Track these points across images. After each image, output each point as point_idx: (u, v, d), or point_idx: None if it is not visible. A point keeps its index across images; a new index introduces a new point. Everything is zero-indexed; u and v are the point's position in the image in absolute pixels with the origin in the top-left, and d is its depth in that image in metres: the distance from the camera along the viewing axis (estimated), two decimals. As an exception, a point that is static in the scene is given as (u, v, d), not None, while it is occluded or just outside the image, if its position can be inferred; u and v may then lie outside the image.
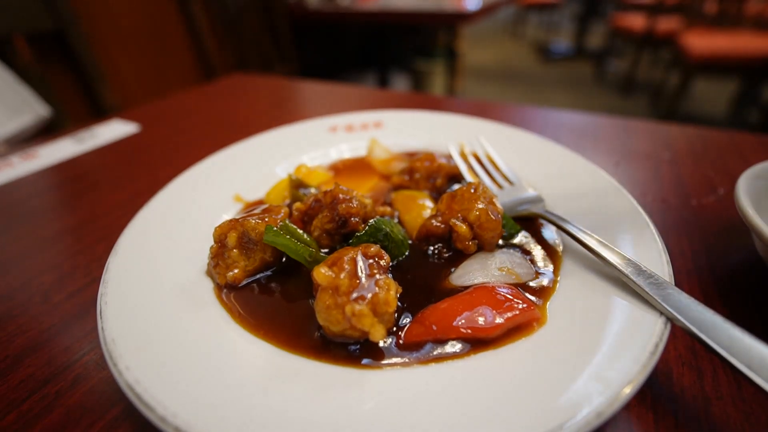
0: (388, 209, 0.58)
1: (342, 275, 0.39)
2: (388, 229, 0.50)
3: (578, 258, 0.48)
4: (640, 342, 0.36)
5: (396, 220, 0.58)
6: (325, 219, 0.51)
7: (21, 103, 1.50)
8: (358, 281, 0.39)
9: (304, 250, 0.48)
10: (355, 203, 0.51)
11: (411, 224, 0.57)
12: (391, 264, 0.50)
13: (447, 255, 0.52)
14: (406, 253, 0.52)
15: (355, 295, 0.38)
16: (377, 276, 0.40)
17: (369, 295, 0.38)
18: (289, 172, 0.69)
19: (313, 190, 0.64)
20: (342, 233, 0.51)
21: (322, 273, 0.40)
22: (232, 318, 0.44)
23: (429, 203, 0.61)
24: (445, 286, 0.47)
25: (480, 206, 0.50)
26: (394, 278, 0.48)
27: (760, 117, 3.34)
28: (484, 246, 0.51)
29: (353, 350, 0.40)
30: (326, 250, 0.53)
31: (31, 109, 1.51)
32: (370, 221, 0.51)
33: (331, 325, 0.39)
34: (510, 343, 0.39)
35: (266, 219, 0.49)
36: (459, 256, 0.51)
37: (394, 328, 0.42)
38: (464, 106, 1.15)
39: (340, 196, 0.51)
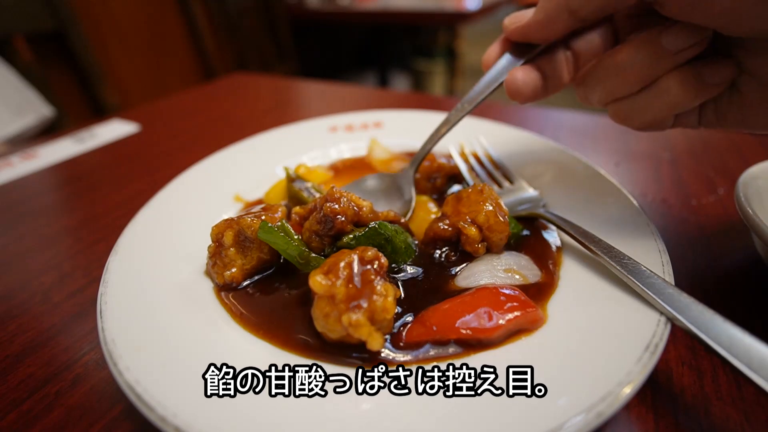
0: (392, 214, 0.53)
1: (338, 283, 0.39)
2: (389, 234, 0.49)
3: (578, 258, 0.48)
4: (640, 342, 0.36)
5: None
6: (313, 220, 0.49)
7: (24, 103, 1.50)
8: (354, 288, 0.38)
9: (293, 249, 0.47)
10: (342, 202, 0.48)
11: (416, 229, 0.56)
12: (395, 267, 0.49)
13: (454, 258, 0.51)
14: (409, 261, 0.51)
15: (352, 304, 0.37)
16: (375, 281, 0.39)
17: (366, 304, 0.37)
18: (286, 167, 0.68)
19: (309, 185, 0.63)
20: (330, 235, 0.49)
21: (317, 281, 0.39)
22: (232, 318, 0.44)
23: (432, 207, 0.60)
24: (450, 288, 0.47)
25: (488, 208, 0.49)
26: (398, 281, 0.48)
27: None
28: (492, 248, 0.50)
29: (353, 350, 0.40)
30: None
31: (35, 109, 1.52)
32: (371, 223, 0.49)
33: (329, 333, 0.39)
34: (510, 342, 0.39)
35: (263, 217, 0.49)
36: (465, 258, 0.51)
37: (395, 328, 0.42)
38: (464, 106, 1.15)
39: (334, 198, 0.49)
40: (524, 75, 0.49)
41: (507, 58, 0.52)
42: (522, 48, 0.52)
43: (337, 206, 0.48)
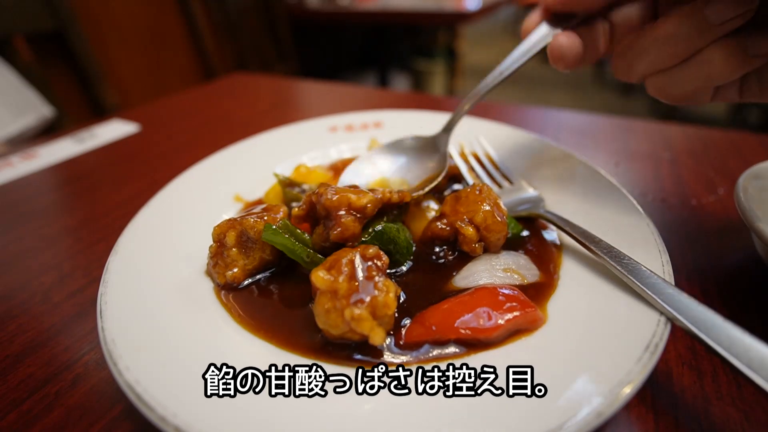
0: (396, 196, 0.50)
1: (340, 278, 0.39)
2: (393, 236, 0.49)
3: (578, 258, 0.48)
4: (640, 342, 0.36)
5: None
6: (323, 235, 0.48)
7: (24, 103, 1.50)
8: (356, 284, 0.39)
9: (301, 251, 0.47)
10: (347, 220, 0.46)
11: (414, 228, 0.56)
12: (396, 271, 0.49)
13: (452, 257, 0.51)
14: (411, 258, 0.51)
15: (353, 298, 0.38)
16: (376, 278, 0.40)
17: (368, 299, 0.38)
18: (285, 172, 0.68)
19: (306, 187, 0.63)
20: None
21: (320, 276, 0.39)
22: (232, 318, 0.44)
23: (434, 205, 0.61)
24: (449, 288, 0.47)
25: (486, 208, 0.49)
26: (398, 281, 0.48)
27: (760, 117, 3.34)
28: (489, 248, 0.51)
29: (353, 350, 0.40)
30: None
31: (35, 109, 1.51)
32: (377, 227, 0.48)
33: (331, 329, 0.39)
34: (510, 342, 0.40)
35: (265, 218, 0.49)
36: (463, 258, 0.51)
37: (395, 328, 0.42)
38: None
39: (333, 213, 0.46)
40: (568, 40, 0.49)
41: (545, 26, 0.53)
42: (561, 18, 0.52)
43: (345, 233, 0.45)
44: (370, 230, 0.49)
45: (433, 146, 0.64)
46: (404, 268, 0.50)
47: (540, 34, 0.53)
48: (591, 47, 0.51)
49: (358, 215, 0.47)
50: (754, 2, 0.38)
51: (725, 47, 0.40)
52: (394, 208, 0.52)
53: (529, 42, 0.54)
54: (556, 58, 0.50)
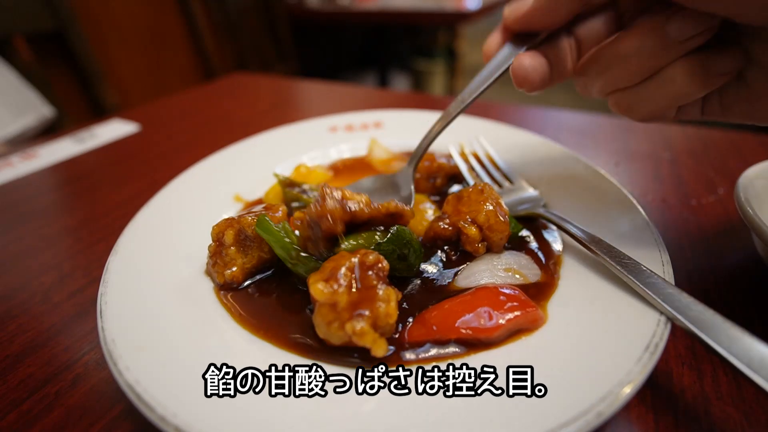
0: (393, 205, 0.47)
1: (340, 290, 0.38)
2: (408, 238, 0.46)
3: (578, 258, 0.48)
4: (640, 342, 0.36)
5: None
6: (305, 225, 0.45)
7: (24, 103, 1.50)
8: (357, 295, 0.38)
9: (282, 248, 0.45)
10: (328, 203, 0.43)
11: (414, 229, 0.56)
12: (412, 280, 0.48)
13: (454, 257, 0.51)
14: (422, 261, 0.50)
15: (354, 312, 0.37)
16: (377, 287, 0.39)
17: (369, 312, 0.37)
18: (285, 172, 0.68)
19: (306, 187, 0.63)
20: (324, 239, 0.44)
21: (319, 289, 0.38)
22: (232, 318, 0.44)
23: (430, 205, 0.61)
24: (450, 288, 0.47)
25: (489, 208, 0.49)
26: (400, 281, 0.48)
27: (760, 117, 3.34)
28: (492, 247, 0.50)
29: (353, 350, 0.40)
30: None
31: (35, 109, 1.52)
32: (392, 228, 0.46)
33: (332, 339, 0.38)
34: (510, 342, 0.39)
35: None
36: (465, 258, 0.51)
37: (397, 328, 0.42)
38: (464, 106, 1.15)
39: (320, 196, 0.44)
40: (532, 60, 0.46)
41: (508, 47, 0.50)
42: (524, 37, 0.49)
43: (323, 208, 0.43)
44: (389, 233, 0.45)
45: (393, 186, 0.61)
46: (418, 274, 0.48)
47: (502, 56, 0.50)
48: (558, 65, 0.48)
49: (343, 205, 0.44)
50: (715, 20, 0.37)
51: (688, 65, 0.39)
52: (394, 221, 0.48)
53: (491, 65, 0.51)
54: (520, 81, 0.47)
